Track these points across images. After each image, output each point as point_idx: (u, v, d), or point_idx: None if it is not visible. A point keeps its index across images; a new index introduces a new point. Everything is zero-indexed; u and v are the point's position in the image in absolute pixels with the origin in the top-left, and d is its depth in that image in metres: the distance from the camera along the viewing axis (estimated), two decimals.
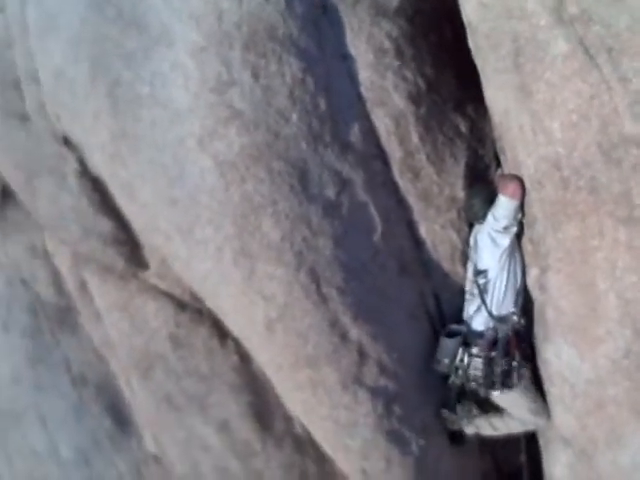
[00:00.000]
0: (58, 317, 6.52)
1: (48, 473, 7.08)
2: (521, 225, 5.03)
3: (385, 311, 5.29)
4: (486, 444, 6.16)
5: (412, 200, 5.35)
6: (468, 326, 5.41)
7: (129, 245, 5.62)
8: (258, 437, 6.00)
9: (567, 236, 4.53)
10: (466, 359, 5.29)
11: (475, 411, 5.57)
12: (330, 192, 4.99)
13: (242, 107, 4.78)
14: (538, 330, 5.28)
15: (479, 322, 5.33)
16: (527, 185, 4.75)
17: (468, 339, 5.32)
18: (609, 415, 4.89)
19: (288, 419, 6.01)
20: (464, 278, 5.53)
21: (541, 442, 5.94)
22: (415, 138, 5.24)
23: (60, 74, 5.21)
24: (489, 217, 5.07)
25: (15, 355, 6.74)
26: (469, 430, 5.79)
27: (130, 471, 6.80)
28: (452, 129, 5.42)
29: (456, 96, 5.44)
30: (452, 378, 5.41)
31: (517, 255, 5.16)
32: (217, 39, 4.74)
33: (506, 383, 5.24)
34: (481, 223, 5.22)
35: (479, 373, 5.24)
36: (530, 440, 6.10)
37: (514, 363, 5.25)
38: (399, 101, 5.16)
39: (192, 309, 5.74)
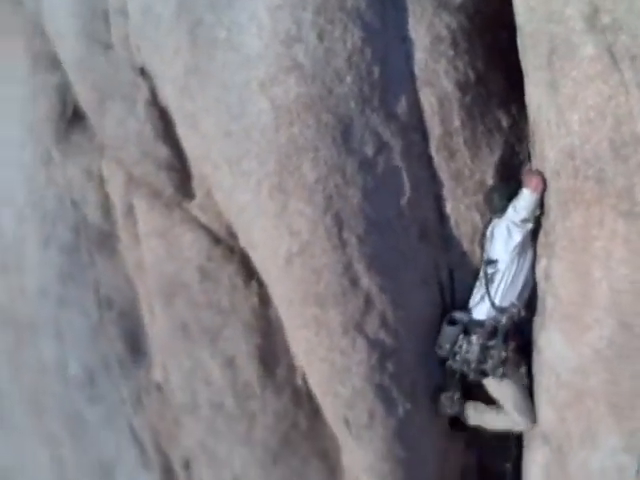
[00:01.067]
0: (99, 240, 7.12)
1: (51, 388, 7.69)
2: (537, 221, 5.51)
3: (398, 269, 5.77)
4: (474, 439, 6.65)
5: (443, 177, 5.87)
6: (470, 315, 5.88)
7: (180, 173, 6.32)
8: (259, 380, 6.53)
9: (573, 224, 4.92)
10: (465, 346, 5.81)
11: (457, 398, 6.11)
12: (368, 150, 5.56)
13: (304, 61, 5.44)
14: (537, 320, 5.69)
15: (481, 311, 5.79)
16: (547, 177, 5.21)
17: (469, 327, 5.81)
18: (587, 409, 5.28)
19: (292, 369, 6.54)
20: (480, 260, 5.94)
21: (525, 442, 6.31)
22: (456, 121, 5.76)
23: (148, 9, 6.01)
24: (509, 209, 5.48)
25: (48, 270, 7.35)
26: (467, 420, 6.27)
27: (131, 398, 7.34)
28: (493, 122, 5.91)
29: (502, 94, 5.92)
30: (449, 362, 5.92)
31: (529, 252, 5.61)
32: (293, 1, 5.48)
33: (499, 371, 5.71)
34: (499, 217, 5.66)
35: (473, 357, 5.75)
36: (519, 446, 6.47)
37: (510, 353, 5.73)
38: (447, 85, 5.71)
39: (225, 245, 6.34)
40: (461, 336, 5.83)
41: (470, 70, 5.81)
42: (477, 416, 6.20)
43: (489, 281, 5.69)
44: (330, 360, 5.93)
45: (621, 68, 4.39)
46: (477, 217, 6.00)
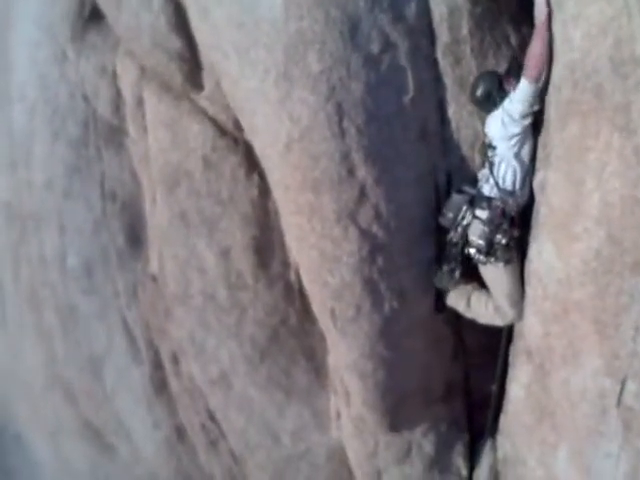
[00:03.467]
0: (107, 134, 7.32)
1: (48, 279, 8.00)
2: (535, 119, 5.40)
3: (395, 164, 5.77)
4: (459, 352, 6.81)
5: (448, 81, 5.84)
6: (479, 190, 5.79)
7: (191, 64, 6.39)
8: (253, 272, 6.72)
9: (570, 134, 4.92)
10: (468, 218, 5.72)
11: (457, 272, 5.98)
12: (374, 48, 5.50)
13: None
14: (531, 232, 5.68)
15: (487, 189, 5.71)
16: (550, 91, 5.19)
17: (475, 200, 5.72)
18: (571, 324, 5.26)
19: (286, 264, 6.74)
20: (479, 168, 5.96)
21: (510, 360, 6.36)
22: (465, 30, 5.69)
23: None
24: (506, 100, 5.40)
25: (55, 163, 7.55)
26: (449, 299, 6.31)
27: (127, 290, 7.65)
28: (502, 36, 5.87)
29: (513, 12, 5.89)
30: (451, 234, 5.85)
31: (527, 143, 5.53)
32: None
33: (503, 255, 5.64)
34: (489, 112, 5.65)
35: (476, 233, 5.67)
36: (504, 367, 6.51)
37: (513, 240, 5.65)
38: None
39: (230, 137, 6.47)
40: (465, 207, 5.74)
41: None
42: (464, 300, 6.24)
43: (491, 164, 5.65)
44: (321, 248, 6.03)
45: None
46: (479, 125, 5.96)
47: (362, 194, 5.84)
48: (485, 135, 5.76)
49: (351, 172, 5.78)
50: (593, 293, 4.99)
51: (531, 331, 5.84)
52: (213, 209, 6.61)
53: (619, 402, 5.04)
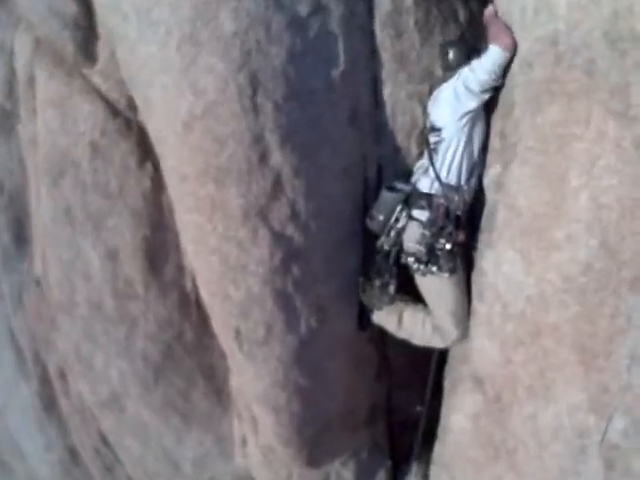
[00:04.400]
0: None
1: None
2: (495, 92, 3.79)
3: (319, 151, 3.97)
4: (384, 370, 4.88)
5: (385, 57, 4.09)
6: (414, 186, 4.04)
7: (86, 32, 4.35)
8: (143, 278, 4.65)
9: (546, 120, 3.42)
10: (402, 220, 3.97)
11: (392, 287, 4.15)
12: (302, 9, 3.78)
13: None
14: (481, 237, 4.01)
15: (425, 184, 3.98)
16: (514, 70, 3.66)
17: (411, 199, 3.97)
18: (544, 350, 3.63)
19: (180, 270, 4.67)
20: (416, 160, 4.23)
21: (446, 384, 4.61)
22: (409, 0, 4.05)
23: None
24: (465, 69, 3.77)
25: None
26: (376, 316, 4.44)
27: (12, 294, 5.57)
28: (450, 11, 4.24)
29: None
30: (382, 240, 4.05)
31: (479, 125, 3.88)
32: None
33: (443, 264, 3.89)
34: (448, 78, 3.92)
35: (413, 239, 3.94)
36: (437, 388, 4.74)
37: (458, 246, 3.92)
38: None
39: (122, 119, 4.43)
40: (399, 207, 3.94)
41: None
42: (396, 317, 4.38)
43: (432, 151, 3.88)
44: (223, 252, 4.06)
45: None
46: (418, 109, 4.19)
47: (277, 187, 3.94)
48: (427, 116, 4.07)
49: (264, 159, 3.87)
50: (578, 315, 3.42)
51: (483, 356, 4.10)
52: (100, 204, 4.57)
53: (602, 440, 3.51)
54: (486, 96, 3.73)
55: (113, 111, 4.45)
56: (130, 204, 4.49)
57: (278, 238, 3.99)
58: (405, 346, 4.54)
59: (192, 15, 3.71)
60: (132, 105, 4.37)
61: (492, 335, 3.98)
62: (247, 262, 4.03)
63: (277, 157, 3.82)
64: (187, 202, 4.06)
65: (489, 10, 3.83)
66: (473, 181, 3.93)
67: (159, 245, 4.54)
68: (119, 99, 4.42)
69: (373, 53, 4.09)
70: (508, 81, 3.71)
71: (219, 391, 5.03)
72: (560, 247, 3.42)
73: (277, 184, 3.89)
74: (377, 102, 4.15)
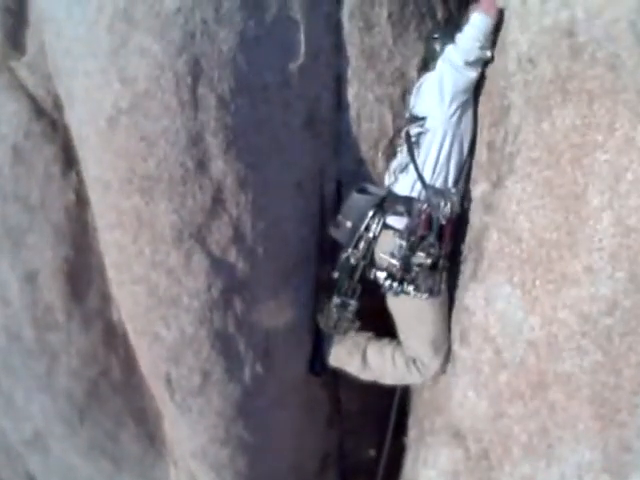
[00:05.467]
0: None
1: None
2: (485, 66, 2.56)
3: (268, 160, 2.60)
4: (338, 419, 3.50)
5: (352, 52, 2.76)
6: (390, 188, 2.69)
7: (16, 17, 2.83)
8: (64, 306, 3.10)
9: (557, 126, 2.17)
10: (374, 228, 2.59)
11: (351, 308, 2.75)
12: None
13: None
14: (465, 266, 2.68)
15: (404, 185, 2.63)
16: (510, 68, 2.38)
17: (387, 203, 2.62)
18: (549, 404, 2.32)
19: (105, 298, 3.10)
20: (381, 177, 2.88)
21: (412, 433, 3.25)
22: None
23: None
24: (448, 47, 2.56)
25: None
26: (334, 358, 3.00)
27: None
28: (427, 7, 2.91)
29: None
30: (348, 252, 2.65)
31: (469, 117, 2.60)
32: None
33: (421, 282, 2.55)
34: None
35: (391, 249, 2.55)
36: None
37: (442, 261, 2.58)
38: None
39: (48, 121, 2.93)
40: (371, 212, 2.56)
41: None
42: (359, 355, 2.93)
43: (414, 145, 2.53)
44: (151, 282, 2.64)
45: None
46: (388, 116, 2.85)
47: (217, 202, 2.54)
48: (408, 107, 2.76)
49: (203, 166, 2.48)
50: (599, 364, 2.13)
51: (466, 408, 2.70)
52: (20, 218, 3.03)
53: None
54: (473, 73, 2.53)
55: (38, 110, 2.96)
56: (52, 219, 3.02)
57: (218, 265, 2.60)
58: (358, 387, 3.19)
59: None
60: (59, 104, 2.93)
61: (479, 386, 2.62)
62: (179, 294, 2.63)
63: (219, 165, 2.44)
64: (109, 217, 2.64)
65: None
66: (462, 185, 2.64)
67: (82, 268, 3.06)
68: (46, 97, 2.94)
69: (338, 47, 2.76)
70: (499, 82, 2.48)
71: (151, 435, 3.54)
72: (577, 281, 2.13)
73: (218, 199, 2.50)
74: (339, 105, 2.81)
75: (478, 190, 2.59)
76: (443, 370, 2.82)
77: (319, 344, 3.05)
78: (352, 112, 2.82)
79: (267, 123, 2.54)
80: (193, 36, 2.40)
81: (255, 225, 2.58)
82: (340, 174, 2.88)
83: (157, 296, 2.61)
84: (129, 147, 2.45)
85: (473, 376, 2.63)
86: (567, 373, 2.23)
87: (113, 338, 3.16)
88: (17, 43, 2.92)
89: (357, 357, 2.95)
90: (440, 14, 3.01)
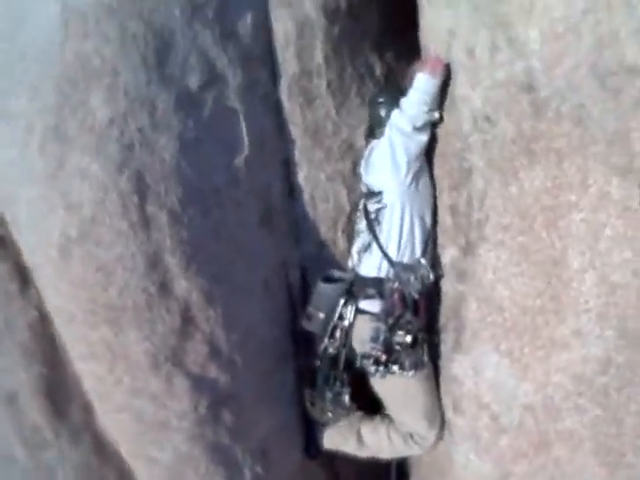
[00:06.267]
0: None
1: None
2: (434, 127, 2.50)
3: (231, 267, 2.53)
4: None
5: (297, 132, 2.70)
6: (355, 271, 2.64)
7: None
8: (50, 424, 2.96)
9: (526, 189, 2.13)
10: (348, 316, 2.54)
11: (346, 397, 2.69)
12: (193, 82, 2.36)
13: None
14: (447, 336, 2.61)
15: (370, 265, 2.58)
16: (465, 129, 2.31)
17: (356, 287, 2.57)
18: (555, 459, 2.31)
19: (88, 409, 2.95)
20: (344, 256, 2.82)
21: None
22: (319, 57, 2.67)
23: None
24: (394, 113, 2.49)
25: None
26: (328, 440, 2.94)
27: None
28: (365, 66, 2.89)
29: (376, 35, 2.96)
30: (325, 343, 2.60)
31: (425, 181, 2.55)
32: None
33: (405, 361, 2.48)
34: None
35: (370, 334, 2.48)
36: None
37: (421, 334, 2.51)
38: (310, 9, 2.64)
39: None
40: (342, 300, 2.52)
41: None
42: (355, 436, 2.85)
43: (374, 222, 2.49)
44: (135, 409, 2.57)
45: None
46: (343, 192, 2.82)
47: (187, 321, 2.46)
48: (362, 184, 2.69)
49: (166, 288, 2.39)
50: (600, 418, 2.12)
51: (470, 470, 2.65)
52: None
53: None
54: (424, 136, 2.46)
55: None
56: (18, 339, 2.86)
57: (199, 383, 2.54)
58: (355, 461, 3.09)
59: (57, 101, 2.23)
60: (4, 220, 2.72)
61: (481, 451, 2.60)
62: (167, 417, 2.58)
63: (182, 284, 2.37)
64: (79, 348, 2.55)
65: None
66: (430, 254, 2.58)
67: (59, 384, 2.92)
68: None
69: (281, 129, 2.70)
70: (454, 143, 2.40)
71: None
72: (567, 345, 2.13)
73: (187, 318, 2.43)
74: (292, 190, 2.76)
75: (447, 256, 2.54)
76: (440, 437, 2.79)
77: (311, 429, 2.99)
78: (306, 196, 2.76)
79: (223, 229, 2.45)
80: (131, 148, 2.30)
81: (229, 337, 2.51)
82: (303, 261, 2.82)
83: (144, 422, 2.54)
84: (86, 277, 2.34)
85: (473, 442, 2.60)
86: (568, 430, 2.23)
87: (103, 447, 3.03)
88: None
89: (352, 438, 2.90)
90: (379, 70, 2.98)
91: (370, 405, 2.90)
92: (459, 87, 2.34)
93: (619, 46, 1.82)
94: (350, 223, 2.78)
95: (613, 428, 2.14)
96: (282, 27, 2.62)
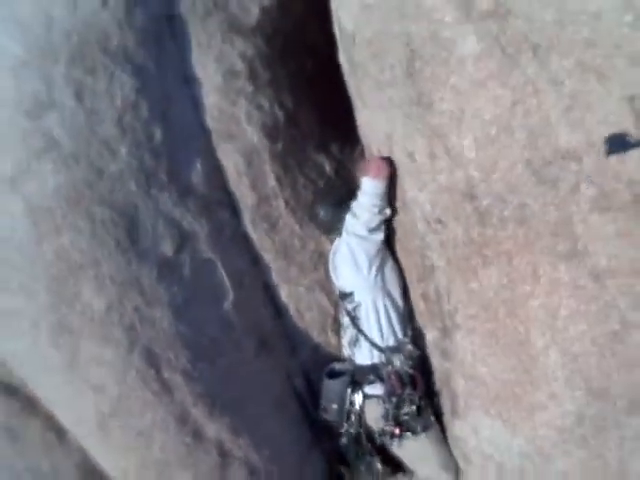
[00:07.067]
0: None
1: None
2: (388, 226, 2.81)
3: (245, 399, 2.93)
4: None
5: (269, 257, 3.06)
6: (352, 362, 3.01)
7: None
8: None
9: (485, 285, 2.44)
10: (358, 401, 2.95)
11: (378, 464, 3.13)
12: (167, 248, 2.70)
13: (60, 136, 2.49)
14: (443, 403, 3.00)
15: (363, 355, 2.94)
16: (421, 228, 2.59)
17: (357, 377, 2.96)
18: None
19: None
20: (338, 349, 3.21)
21: None
22: (271, 180, 3.00)
23: None
24: (347, 218, 2.81)
25: None
26: None
27: None
28: (315, 170, 3.21)
29: (318, 133, 3.23)
30: (345, 427, 3.01)
31: (390, 267, 2.87)
32: (42, 51, 2.48)
33: (415, 427, 2.90)
34: (337, 236, 2.93)
35: (381, 413, 2.89)
36: None
37: (423, 401, 2.92)
38: (252, 134, 2.93)
39: (23, 396, 3.09)
40: (349, 390, 2.93)
41: (277, 108, 3.02)
42: None
43: (355, 319, 2.87)
44: None
45: (521, 62, 1.98)
46: (323, 299, 3.18)
47: (224, 455, 2.90)
48: (335, 288, 3.05)
49: (199, 435, 2.81)
50: (586, 457, 2.49)
51: None
52: None
53: None
54: (380, 236, 2.77)
55: (8, 389, 3.11)
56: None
57: None
58: None
59: (52, 300, 2.59)
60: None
61: None
62: None
63: (211, 428, 2.82)
64: None
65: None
66: (409, 329, 2.92)
67: None
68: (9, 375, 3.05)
69: (255, 259, 3.04)
70: (413, 240, 2.69)
71: None
72: (545, 406, 2.48)
73: (223, 452, 2.90)
74: (278, 311, 3.12)
75: (429, 335, 2.91)
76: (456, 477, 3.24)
77: None
78: (291, 311, 3.13)
79: (230, 371, 2.84)
80: (134, 328, 2.65)
81: (261, 454, 2.95)
82: (303, 366, 3.21)
83: None
84: (129, 442, 2.72)
85: None
86: (561, 470, 2.63)
87: None
88: None
89: None
90: (328, 167, 3.26)
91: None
92: (408, 189, 2.56)
93: (552, 132, 1.99)
94: (336, 321, 3.15)
95: (599, 461, 2.50)
96: (231, 162, 2.92)
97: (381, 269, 2.84)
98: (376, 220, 2.73)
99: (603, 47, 1.85)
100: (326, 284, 3.12)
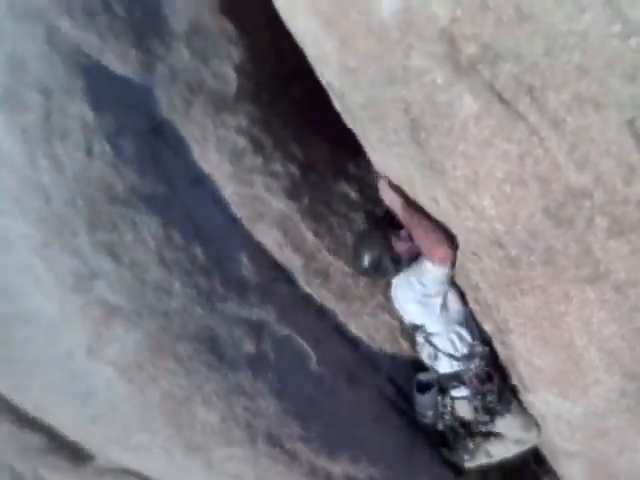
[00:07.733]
0: None
1: None
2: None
3: (352, 430, 3.39)
4: None
5: (332, 304, 3.32)
6: (435, 372, 3.45)
7: (68, 448, 3.33)
8: None
9: (526, 306, 2.78)
10: (449, 404, 3.46)
11: (472, 445, 3.71)
12: (249, 347, 2.99)
13: (116, 299, 2.67)
14: (513, 377, 3.46)
15: (444, 365, 3.38)
16: (459, 258, 2.91)
17: (442, 384, 3.44)
18: (615, 437, 3.27)
19: None
20: (411, 350, 3.60)
21: (546, 453, 4.16)
22: (309, 236, 3.20)
23: None
24: (414, 283, 3.12)
25: None
26: (469, 464, 3.97)
27: None
28: (342, 202, 3.38)
29: (332, 162, 3.36)
30: (440, 425, 3.57)
31: (451, 292, 3.20)
32: (54, 227, 2.55)
33: (500, 410, 3.44)
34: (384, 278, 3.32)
35: (471, 409, 3.43)
36: None
37: (498, 388, 3.40)
38: (277, 203, 3.10)
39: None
40: (439, 398, 3.43)
41: (290, 165, 3.14)
42: (484, 455, 3.84)
43: (430, 342, 3.30)
44: None
45: (521, 111, 2.06)
46: (387, 317, 3.49)
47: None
48: (403, 320, 3.43)
49: (330, 478, 3.33)
50: (631, 417, 3.03)
51: (568, 448, 3.61)
52: None
53: None
54: (445, 288, 3.14)
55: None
56: None
57: None
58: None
59: (173, 429, 2.94)
60: None
61: (567, 439, 3.51)
62: None
63: (337, 469, 3.34)
64: None
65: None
66: (476, 332, 3.33)
67: None
68: None
69: (321, 311, 3.32)
70: (458, 262, 2.98)
71: None
72: (593, 385, 2.96)
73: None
74: (354, 343, 3.44)
75: (488, 328, 3.32)
76: (539, 435, 3.75)
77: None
78: (364, 337, 3.45)
79: (333, 414, 3.26)
80: (250, 425, 3.02)
81: (380, 468, 3.45)
82: (387, 375, 3.61)
83: None
84: None
85: (561, 436, 3.54)
86: (614, 424, 3.11)
87: None
88: (83, 456, 3.38)
89: (482, 456, 3.81)
90: (353, 193, 3.38)
91: None
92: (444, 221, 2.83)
93: (561, 175, 2.13)
94: (403, 331, 3.54)
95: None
96: (270, 238, 3.11)
97: (445, 295, 3.16)
98: (443, 288, 3.10)
99: (596, 71, 1.88)
100: (386, 305, 3.44)
